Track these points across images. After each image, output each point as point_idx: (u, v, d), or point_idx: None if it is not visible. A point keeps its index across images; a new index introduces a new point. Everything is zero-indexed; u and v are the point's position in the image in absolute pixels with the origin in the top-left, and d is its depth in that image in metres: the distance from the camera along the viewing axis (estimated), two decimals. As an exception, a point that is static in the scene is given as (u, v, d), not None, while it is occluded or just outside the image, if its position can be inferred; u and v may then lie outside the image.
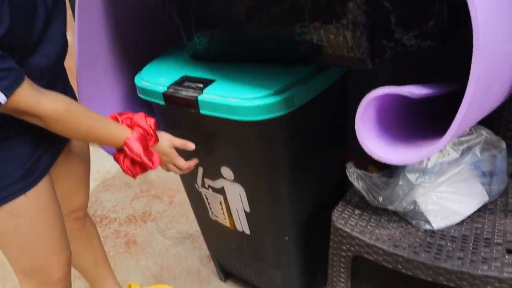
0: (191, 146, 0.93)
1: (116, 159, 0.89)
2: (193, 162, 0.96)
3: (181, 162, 0.94)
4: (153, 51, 1.11)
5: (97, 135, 0.85)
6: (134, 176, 0.89)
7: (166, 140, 0.91)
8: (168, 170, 0.97)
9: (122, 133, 0.85)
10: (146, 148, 0.86)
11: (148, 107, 1.13)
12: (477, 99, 0.51)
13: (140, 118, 0.88)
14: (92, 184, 1.14)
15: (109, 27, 1.06)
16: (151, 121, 0.88)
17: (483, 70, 0.49)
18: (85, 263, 1.23)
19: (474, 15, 0.48)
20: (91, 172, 1.14)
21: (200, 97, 0.86)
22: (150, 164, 0.86)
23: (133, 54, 1.14)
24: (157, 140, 0.89)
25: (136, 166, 0.87)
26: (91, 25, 1.02)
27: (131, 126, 0.87)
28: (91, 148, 1.12)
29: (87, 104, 1.10)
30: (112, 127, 0.85)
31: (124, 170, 0.88)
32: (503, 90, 0.78)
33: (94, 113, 0.83)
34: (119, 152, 0.88)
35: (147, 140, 0.87)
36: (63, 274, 0.97)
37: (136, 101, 1.14)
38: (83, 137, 0.90)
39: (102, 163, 2.21)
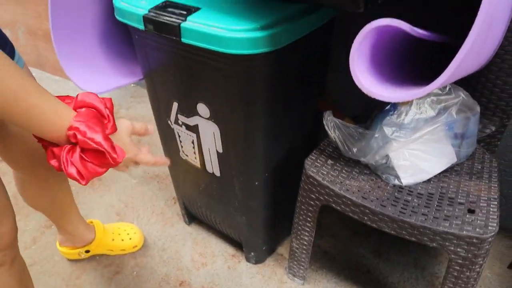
0: (150, 130, 0.71)
1: (54, 155, 0.58)
2: (163, 160, 0.72)
3: (147, 156, 0.68)
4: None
5: (27, 107, 0.52)
6: (86, 179, 0.59)
7: (125, 128, 0.65)
8: (126, 168, 0.69)
9: (67, 112, 0.57)
10: (105, 136, 0.58)
11: (125, 33, 1.08)
12: (476, 44, 0.50)
13: (90, 96, 0.61)
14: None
15: None
16: (107, 100, 0.62)
17: (488, 15, 0.48)
18: (52, 207, 1.17)
19: None
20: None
21: (183, 24, 0.81)
22: (115, 155, 0.58)
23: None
24: (115, 127, 0.62)
25: (88, 163, 0.58)
26: None
27: (76, 108, 0.60)
28: (57, 77, 1.03)
29: (60, 24, 1.03)
30: (52, 101, 0.55)
31: (68, 173, 0.58)
32: (492, 47, 0.77)
33: (24, 73, 0.52)
34: (55, 145, 0.58)
35: (103, 124, 0.60)
36: (9, 241, 0.81)
37: (113, 26, 1.07)
38: (7, 109, 0.51)
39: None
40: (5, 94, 0.49)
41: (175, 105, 1.03)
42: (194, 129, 1.03)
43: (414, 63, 0.87)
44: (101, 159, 0.58)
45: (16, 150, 0.94)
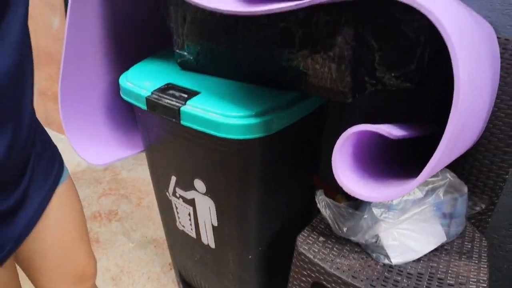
0: None
1: None
2: None
3: None
4: (144, 52, 1.12)
5: None
6: None
7: None
8: None
9: None
10: None
11: (128, 108, 1.14)
12: (447, 151, 0.54)
13: None
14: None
15: (103, 21, 1.06)
16: None
17: (459, 124, 0.52)
18: None
19: (457, 78, 0.51)
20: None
21: (182, 108, 0.87)
22: None
23: (123, 52, 1.14)
24: None
25: None
26: (84, 17, 1.01)
27: None
28: (62, 136, 1.06)
29: (68, 95, 1.09)
30: None
31: None
32: (470, 139, 0.82)
33: None
34: None
35: None
36: None
37: (118, 100, 1.14)
38: None
39: (72, 155, 2.16)
40: None
41: (173, 179, 1.07)
42: (191, 202, 1.07)
43: (400, 151, 0.91)
44: None
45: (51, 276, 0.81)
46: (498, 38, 1.01)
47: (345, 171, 0.64)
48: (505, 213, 1.24)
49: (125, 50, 1.14)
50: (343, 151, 0.64)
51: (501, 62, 1.01)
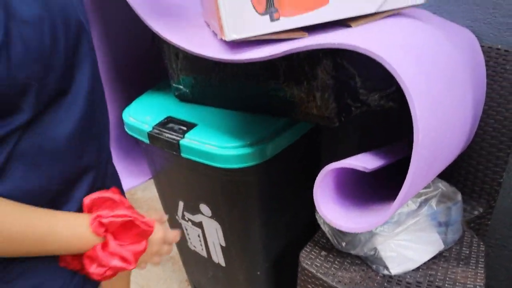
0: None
1: (92, 259, 0.56)
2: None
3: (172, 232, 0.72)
4: (145, 84, 1.18)
5: (38, 239, 0.52)
6: (132, 262, 0.57)
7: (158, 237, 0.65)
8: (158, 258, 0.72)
9: (79, 218, 0.57)
10: (127, 207, 0.60)
11: (134, 139, 1.20)
12: (417, 180, 0.59)
13: (94, 195, 0.60)
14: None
15: (103, 57, 1.13)
16: (113, 190, 0.63)
17: (422, 158, 0.57)
18: None
19: (414, 114, 0.55)
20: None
21: (181, 141, 0.93)
22: (144, 219, 0.59)
23: (125, 86, 1.21)
24: (131, 207, 0.62)
25: (127, 245, 0.58)
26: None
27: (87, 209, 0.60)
28: None
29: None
30: (60, 217, 0.55)
31: (111, 266, 0.56)
32: (450, 156, 0.86)
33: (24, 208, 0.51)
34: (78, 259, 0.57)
35: (119, 203, 0.60)
36: None
37: (124, 133, 1.20)
38: (24, 248, 0.52)
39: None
40: (9, 238, 0.49)
41: (181, 204, 1.14)
42: (199, 225, 1.13)
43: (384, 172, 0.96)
44: (134, 231, 0.58)
45: None
46: (481, 46, 1.04)
47: (327, 205, 0.69)
48: (505, 214, 1.27)
49: (127, 84, 1.21)
50: (323, 186, 0.69)
51: (486, 70, 1.04)
